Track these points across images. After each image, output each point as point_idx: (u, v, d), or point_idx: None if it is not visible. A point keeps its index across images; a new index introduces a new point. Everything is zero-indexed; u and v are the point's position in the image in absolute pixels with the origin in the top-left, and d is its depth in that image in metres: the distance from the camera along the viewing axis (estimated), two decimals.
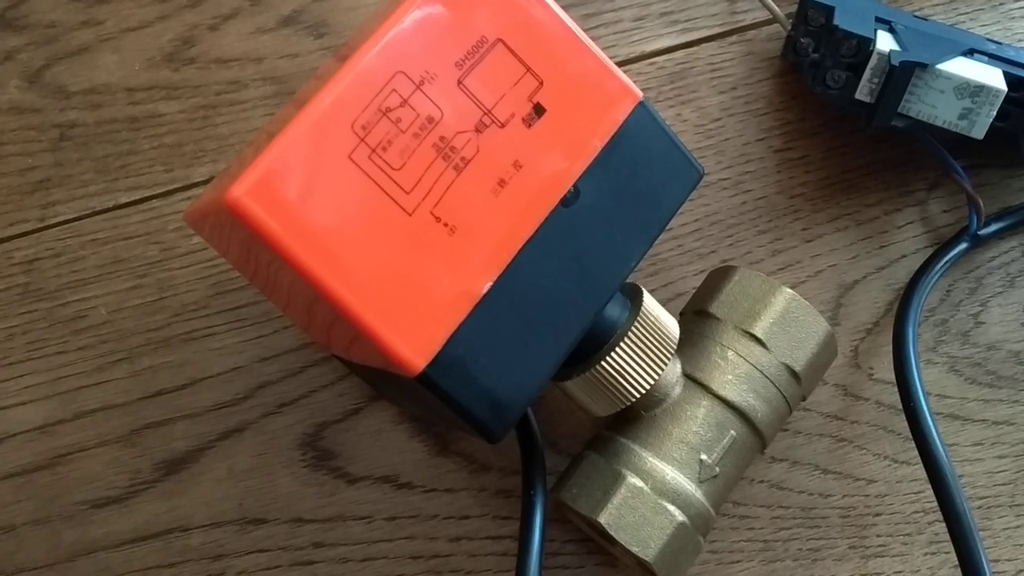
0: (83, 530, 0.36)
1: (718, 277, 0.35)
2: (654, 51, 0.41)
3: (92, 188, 0.40)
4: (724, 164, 0.40)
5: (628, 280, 0.33)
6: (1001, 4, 0.41)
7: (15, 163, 0.40)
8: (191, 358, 0.38)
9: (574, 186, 0.29)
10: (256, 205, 0.25)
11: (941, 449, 0.32)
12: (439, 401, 0.27)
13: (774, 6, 0.39)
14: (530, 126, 0.28)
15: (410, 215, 0.27)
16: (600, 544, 0.35)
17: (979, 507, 0.36)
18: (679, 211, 0.38)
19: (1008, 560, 0.35)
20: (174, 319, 0.38)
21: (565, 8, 0.41)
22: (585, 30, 0.41)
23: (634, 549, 0.30)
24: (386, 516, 0.36)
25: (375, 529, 0.36)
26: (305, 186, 0.26)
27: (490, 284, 0.27)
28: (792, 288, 0.34)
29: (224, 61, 0.41)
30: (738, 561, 0.35)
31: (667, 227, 0.38)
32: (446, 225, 0.27)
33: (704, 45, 0.41)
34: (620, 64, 0.41)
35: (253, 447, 0.37)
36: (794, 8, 0.39)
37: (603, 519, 0.31)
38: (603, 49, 0.40)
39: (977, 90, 0.34)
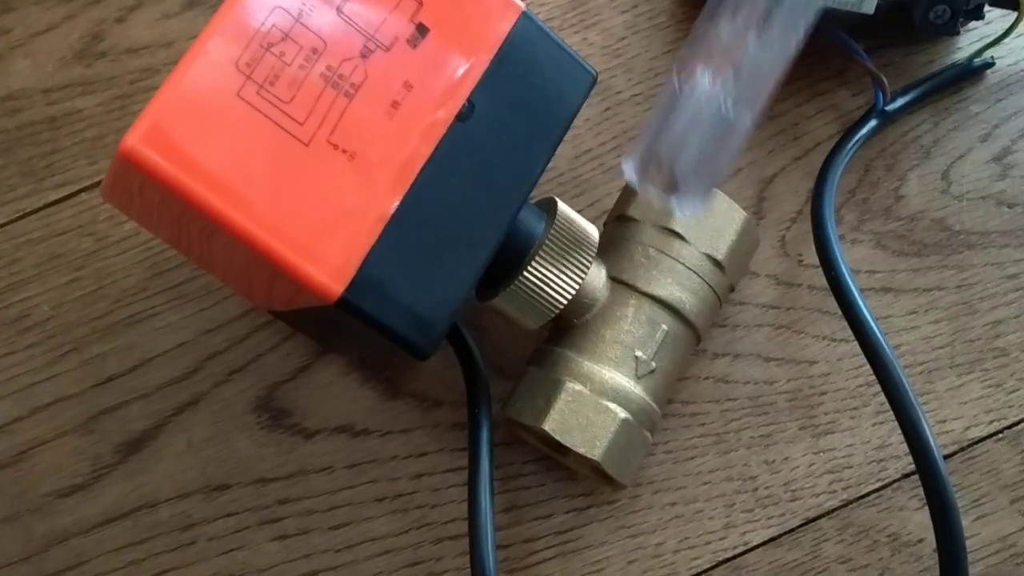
0: (53, 520, 0.36)
1: None
2: None
3: (20, 191, 0.40)
4: (635, 80, 0.40)
5: (547, 197, 0.34)
6: None
7: None
8: (137, 340, 0.38)
9: (468, 101, 0.29)
10: (150, 150, 0.25)
11: (868, 316, 0.33)
12: (366, 328, 0.28)
13: None
14: (415, 46, 0.29)
15: (307, 145, 0.27)
16: (556, 460, 0.35)
17: (920, 372, 0.36)
18: (594, 130, 0.40)
19: (955, 419, 0.36)
20: (116, 305, 0.39)
21: None
22: None
23: (581, 450, 0.31)
24: (346, 464, 0.36)
25: (337, 478, 0.36)
26: (198, 128, 0.26)
27: (397, 204, 0.28)
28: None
29: (134, 50, 0.42)
30: (693, 457, 0.36)
31: (585, 147, 0.39)
32: (344, 151, 0.28)
33: None
34: None
35: (209, 417, 0.37)
36: None
37: (547, 426, 0.31)
38: None
39: None
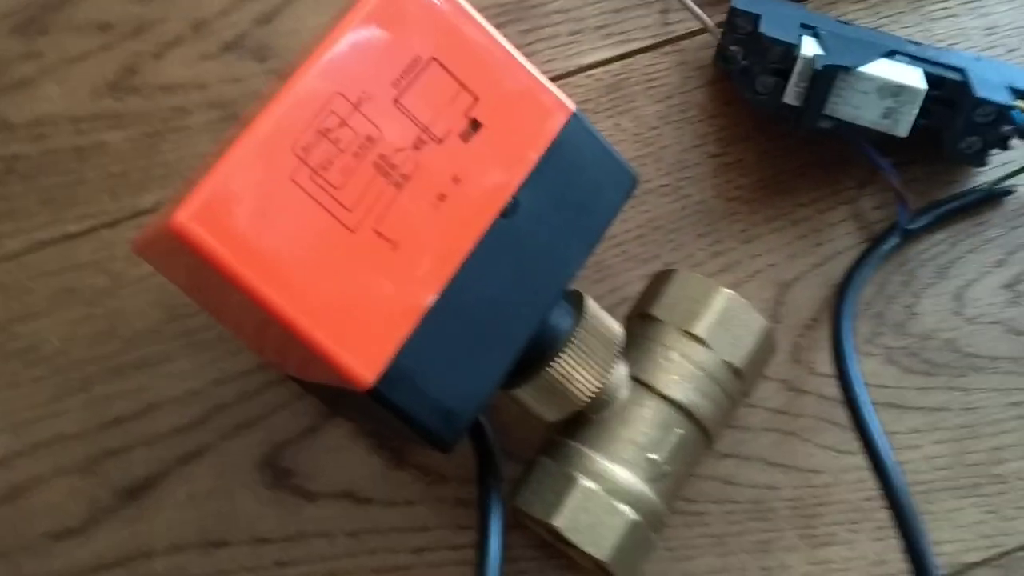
0: (43, 561, 0.36)
1: (659, 281, 0.36)
2: (591, 64, 0.42)
3: (39, 220, 0.40)
4: (663, 171, 0.41)
5: (573, 287, 0.34)
6: (921, 6, 0.43)
7: None
8: (146, 384, 0.38)
9: (513, 197, 0.29)
10: (201, 229, 0.26)
11: (881, 437, 0.33)
12: (390, 414, 0.28)
13: (704, 16, 0.41)
14: (467, 141, 0.29)
15: (353, 232, 0.27)
16: (558, 548, 0.35)
17: (921, 491, 0.37)
18: (620, 217, 0.40)
19: (950, 542, 0.37)
20: (127, 346, 0.38)
21: (502, 23, 0.42)
22: (523, 45, 0.42)
23: (589, 550, 0.31)
24: (347, 531, 0.36)
25: (336, 545, 0.36)
26: (248, 208, 0.26)
27: (435, 297, 0.28)
28: (733, 288, 0.35)
29: (168, 88, 0.42)
30: (693, 557, 0.36)
31: (609, 234, 0.40)
32: (389, 240, 0.28)
33: (639, 56, 0.42)
34: (558, 77, 0.42)
35: (212, 470, 0.37)
36: (724, 17, 0.40)
37: (558, 522, 0.31)
38: (541, 63, 0.42)
39: (898, 90, 0.36)
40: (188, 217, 0.25)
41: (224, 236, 0.26)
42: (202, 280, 0.29)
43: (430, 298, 0.28)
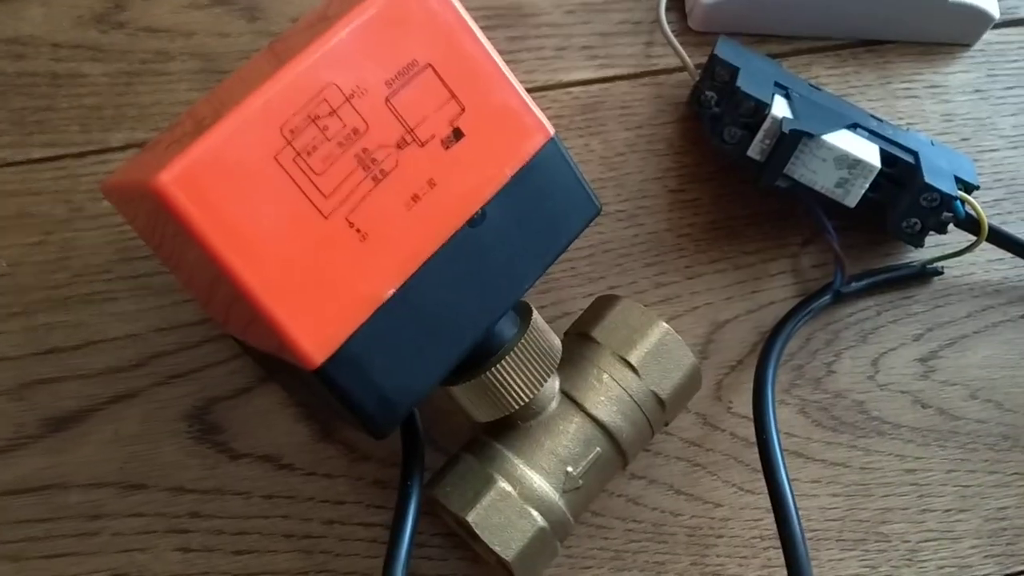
0: None
1: (603, 304, 0.37)
2: (572, 81, 0.43)
3: (5, 139, 0.40)
4: (622, 197, 0.42)
5: (523, 301, 0.35)
6: (888, 83, 0.45)
7: None
8: (88, 320, 0.38)
9: (482, 209, 0.31)
10: (181, 193, 0.26)
11: (786, 481, 0.35)
12: (331, 395, 0.29)
13: (685, 56, 0.42)
14: (448, 148, 0.30)
15: (326, 218, 0.28)
16: (465, 540, 0.37)
17: (810, 538, 0.39)
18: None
19: None
20: (75, 279, 0.39)
21: (493, 28, 0.43)
22: (508, 52, 0.43)
23: (496, 548, 0.33)
24: (264, 494, 0.37)
25: (252, 505, 0.37)
26: (229, 180, 0.27)
27: (393, 291, 0.29)
28: (669, 321, 0.37)
29: (153, 30, 0.42)
30: (590, 567, 0.38)
31: None
32: (358, 231, 0.29)
33: (618, 82, 0.44)
34: (538, 90, 0.43)
35: (141, 414, 0.38)
36: (704, 59, 0.42)
37: (471, 518, 0.33)
38: (524, 73, 0.43)
39: (854, 163, 0.38)
40: (171, 179, 0.26)
41: (202, 203, 0.26)
42: (168, 235, 0.29)
43: (388, 291, 0.29)
